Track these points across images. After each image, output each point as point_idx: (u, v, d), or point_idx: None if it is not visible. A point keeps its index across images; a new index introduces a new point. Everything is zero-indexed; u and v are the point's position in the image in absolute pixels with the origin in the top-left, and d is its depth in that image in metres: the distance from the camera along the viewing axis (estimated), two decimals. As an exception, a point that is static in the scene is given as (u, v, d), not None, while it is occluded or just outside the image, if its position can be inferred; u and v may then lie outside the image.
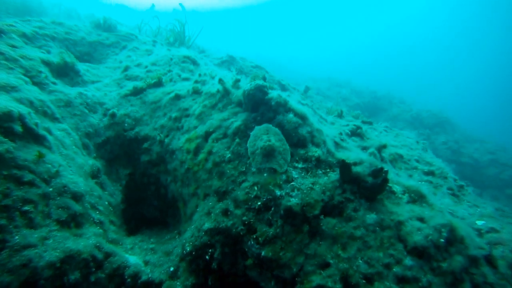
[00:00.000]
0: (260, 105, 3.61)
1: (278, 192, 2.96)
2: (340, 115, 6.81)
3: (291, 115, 3.43)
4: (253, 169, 3.24)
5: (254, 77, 4.04)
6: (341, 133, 4.12)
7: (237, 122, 3.63)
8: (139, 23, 10.16)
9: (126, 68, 6.14)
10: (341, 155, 3.29)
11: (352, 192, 2.97)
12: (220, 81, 4.15)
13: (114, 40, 7.95)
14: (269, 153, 3.13)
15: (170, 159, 4.38)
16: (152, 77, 5.56)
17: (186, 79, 5.65)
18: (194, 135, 3.93)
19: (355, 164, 3.11)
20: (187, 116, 4.43)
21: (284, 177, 3.08)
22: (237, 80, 4.29)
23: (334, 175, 3.09)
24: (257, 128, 3.43)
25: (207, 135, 3.80)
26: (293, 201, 2.86)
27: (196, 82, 5.05)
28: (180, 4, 9.46)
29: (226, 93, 4.17)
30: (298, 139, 3.37)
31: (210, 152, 3.59)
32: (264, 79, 4.00)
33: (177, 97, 4.82)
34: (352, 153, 3.46)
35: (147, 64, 6.43)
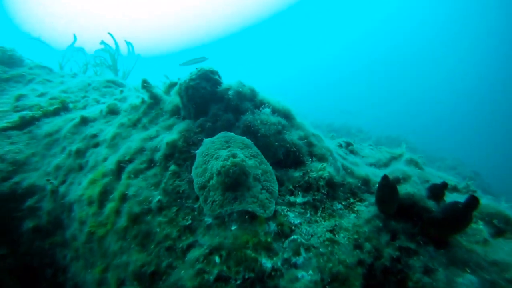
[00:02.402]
0: (209, 104, 2.08)
1: (267, 263, 1.34)
2: (314, 137, 5.54)
3: (267, 111, 1.93)
4: (208, 220, 1.62)
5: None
6: (340, 145, 2.71)
7: (171, 136, 2.02)
8: (60, 59, 8.41)
9: (19, 98, 4.32)
10: (365, 170, 1.83)
11: (409, 235, 1.50)
12: (145, 83, 2.59)
13: (15, 74, 6.07)
14: (236, 181, 1.55)
15: (68, 220, 2.57)
16: (53, 103, 3.83)
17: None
18: (100, 172, 2.23)
19: (398, 181, 1.67)
20: (96, 145, 2.72)
21: (273, 226, 1.47)
22: (173, 84, 2.79)
23: (366, 208, 1.59)
24: (207, 141, 1.87)
25: (120, 168, 2.11)
26: (305, 277, 1.27)
27: (115, 99, 3.43)
28: (110, 34, 8.00)
29: (155, 102, 2.62)
30: (286, 151, 1.83)
31: (123, 198, 1.89)
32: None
33: (84, 121, 3.11)
34: (374, 168, 2.04)
35: (54, 92, 4.68)
